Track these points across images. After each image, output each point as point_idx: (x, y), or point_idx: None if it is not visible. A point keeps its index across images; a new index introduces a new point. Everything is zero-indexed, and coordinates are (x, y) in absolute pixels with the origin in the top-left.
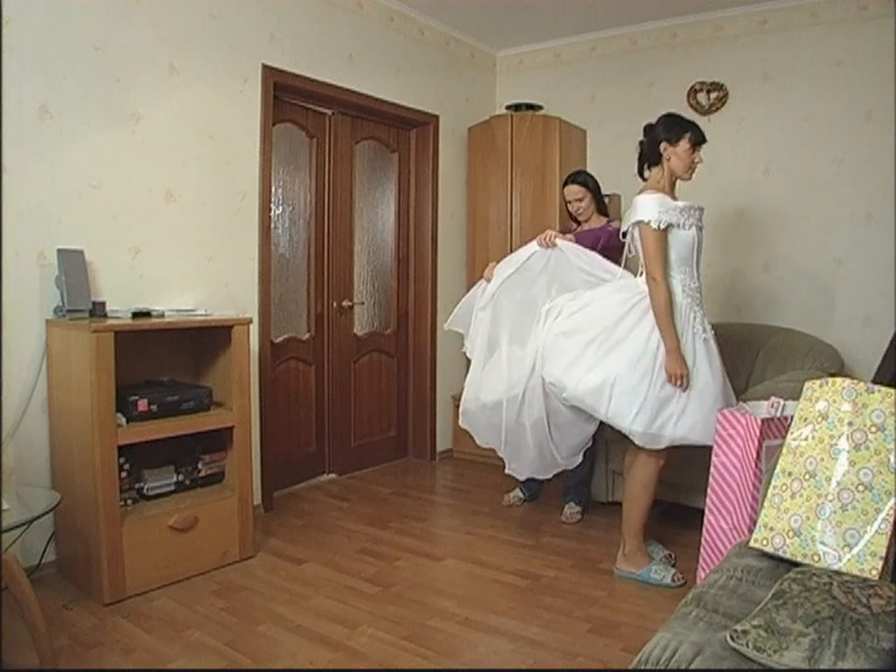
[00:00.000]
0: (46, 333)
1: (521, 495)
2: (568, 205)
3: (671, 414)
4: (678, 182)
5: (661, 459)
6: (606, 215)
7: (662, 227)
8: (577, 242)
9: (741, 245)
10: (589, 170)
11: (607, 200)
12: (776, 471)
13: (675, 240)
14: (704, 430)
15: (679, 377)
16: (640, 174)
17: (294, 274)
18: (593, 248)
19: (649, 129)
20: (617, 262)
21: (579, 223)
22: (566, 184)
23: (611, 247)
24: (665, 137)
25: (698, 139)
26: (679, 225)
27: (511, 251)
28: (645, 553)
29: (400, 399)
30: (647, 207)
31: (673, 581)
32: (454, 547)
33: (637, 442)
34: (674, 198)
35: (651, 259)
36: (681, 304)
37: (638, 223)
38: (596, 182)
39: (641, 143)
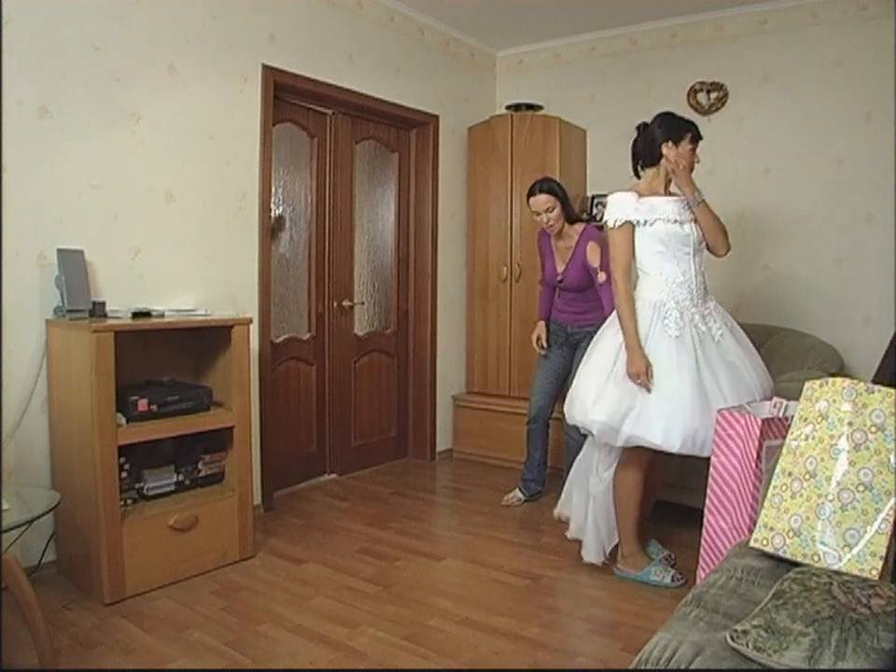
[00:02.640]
0: (46, 333)
1: (520, 495)
2: (536, 217)
3: (631, 410)
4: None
5: (640, 469)
6: (579, 220)
7: (619, 225)
8: (570, 281)
9: (741, 246)
10: (589, 170)
11: (606, 200)
12: (776, 471)
13: (644, 236)
14: (664, 434)
15: (637, 375)
16: (636, 173)
17: (294, 274)
18: (587, 275)
19: (644, 128)
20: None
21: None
22: (530, 194)
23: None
24: (668, 137)
25: (697, 137)
26: (642, 222)
27: (511, 251)
28: (644, 555)
29: (400, 399)
30: (608, 207)
31: (672, 581)
32: (454, 547)
33: (595, 435)
34: (669, 194)
35: (611, 258)
36: (654, 301)
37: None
38: (564, 189)
39: (636, 142)
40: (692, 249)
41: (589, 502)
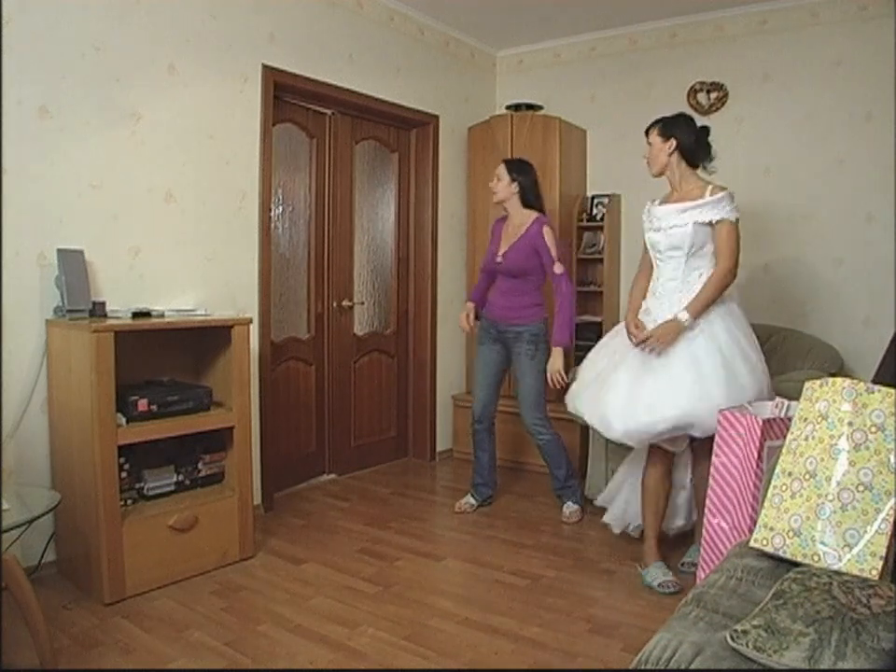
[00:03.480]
0: (46, 333)
1: (472, 501)
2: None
3: (581, 390)
4: (668, 178)
5: (657, 468)
6: (539, 210)
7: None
8: (509, 263)
9: (741, 246)
10: (589, 170)
11: (606, 200)
12: (776, 471)
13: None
14: (574, 400)
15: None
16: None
17: (294, 274)
18: (530, 260)
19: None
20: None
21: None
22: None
23: (539, 247)
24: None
25: (649, 128)
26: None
27: None
28: (653, 553)
29: (400, 399)
30: None
31: (660, 587)
32: (454, 547)
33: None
34: (669, 200)
35: None
36: (643, 303)
37: None
38: (531, 176)
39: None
40: (663, 255)
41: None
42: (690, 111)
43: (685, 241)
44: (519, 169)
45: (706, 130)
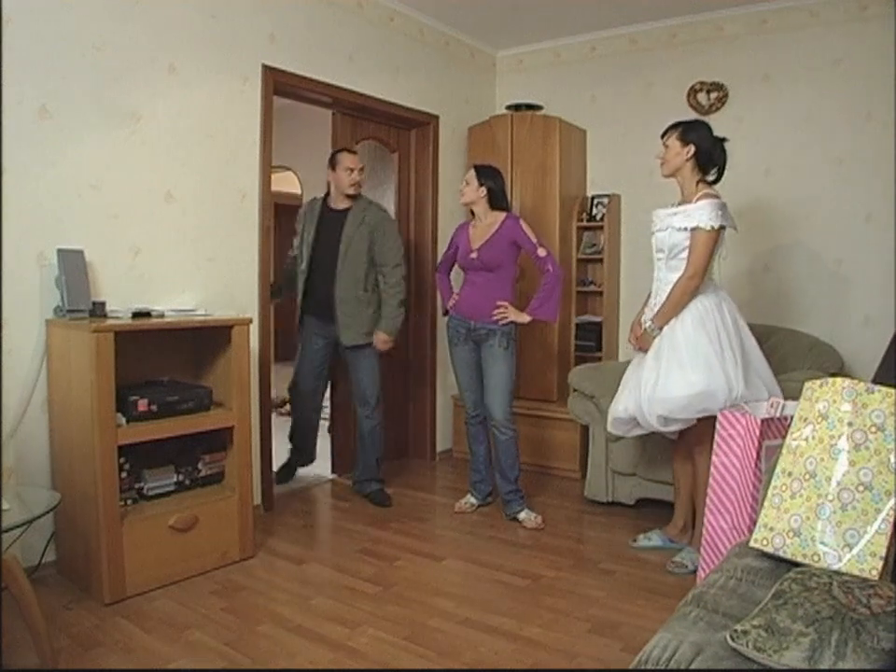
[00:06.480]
0: (46, 333)
1: (473, 500)
2: None
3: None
4: (676, 181)
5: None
6: (504, 210)
7: None
8: (483, 257)
9: (741, 246)
10: (589, 170)
11: (606, 200)
12: (776, 471)
13: None
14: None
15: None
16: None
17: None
18: (505, 252)
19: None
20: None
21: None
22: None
23: (517, 240)
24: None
25: (664, 133)
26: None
27: None
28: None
29: (401, 399)
30: None
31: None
32: (454, 547)
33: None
34: (679, 202)
35: None
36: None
37: None
38: (498, 181)
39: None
40: (662, 255)
41: None
42: (690, 111)
43: (664, 245)
44: (488, 175)
45: (722, 140)
